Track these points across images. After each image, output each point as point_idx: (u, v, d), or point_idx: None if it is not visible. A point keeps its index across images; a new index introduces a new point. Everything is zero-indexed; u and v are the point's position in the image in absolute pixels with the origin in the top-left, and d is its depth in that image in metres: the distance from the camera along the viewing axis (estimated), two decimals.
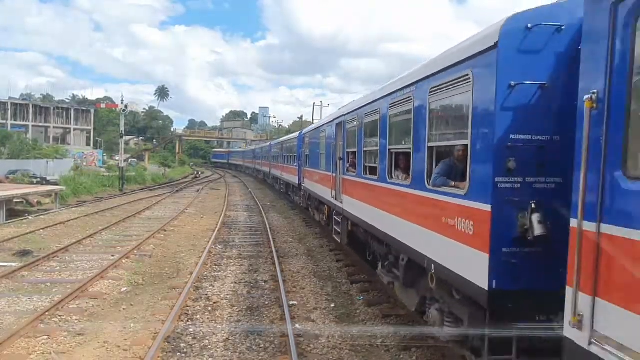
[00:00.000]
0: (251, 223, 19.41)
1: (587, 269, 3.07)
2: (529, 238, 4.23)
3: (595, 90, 3.03)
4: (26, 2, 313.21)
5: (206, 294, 9.44)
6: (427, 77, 5.96)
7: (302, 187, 20.39)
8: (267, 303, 8.98)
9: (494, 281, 4.35)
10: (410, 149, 6.53)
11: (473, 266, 4.65)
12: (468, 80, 4.84)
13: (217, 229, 16.90)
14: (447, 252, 5.28)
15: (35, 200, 23.80)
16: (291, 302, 8.93)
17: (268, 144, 40.74)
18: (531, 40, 4.28)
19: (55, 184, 29.55)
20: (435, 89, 5.69)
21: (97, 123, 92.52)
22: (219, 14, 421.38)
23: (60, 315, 8.00)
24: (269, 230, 16.98)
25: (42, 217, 20.01)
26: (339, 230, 11.99)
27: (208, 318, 8.14)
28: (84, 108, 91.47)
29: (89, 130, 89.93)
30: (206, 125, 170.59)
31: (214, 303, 8.92)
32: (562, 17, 4.24)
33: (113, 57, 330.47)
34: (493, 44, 4.38)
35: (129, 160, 63.50)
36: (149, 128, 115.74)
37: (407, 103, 6.70)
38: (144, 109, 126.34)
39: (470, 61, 4.83)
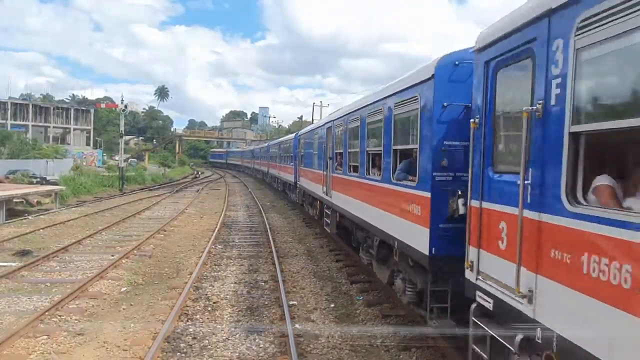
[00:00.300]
0: (251, 223, 19.41)
1: (474, 231, 4.74)
2: (455, 216, 5.66)
3: (477, 117, 4.70)
4: (26, 2, 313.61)
5: (206, 294, 9.44)
6: (392, 95, 7.61)
7: (298, 185, 21.67)
8: (266, 303, 8.99)
9: (433, 249, 5.97)
10: (381, 150, 8.12)
11: (420, 238, 6.25)
12: (417, 100, 6.49)
13: (216, 229, 16.90)
14: (405, 230, 6.91)
15: (35, 200, 23.79)
16: (291, 302, 8.94)
17: (266, 144, 42.06)
18: (457, 73, 5.90)
19: (55, 183, 29.54)
20: (397, 104, 7.34)
21: (96, 123, 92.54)
22: (219, 14, 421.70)
23: (60, 315, 8.00)
24: (268, 230, 16.99)
25: (41, 217, 20.02)
26: (329, 222, 13.62)
27: (208, 318, 8.15)
28: (83, 108, 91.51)
29: (89, 130, 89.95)
30: (206, 125, 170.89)
31: (214, 303, 8.92)
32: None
33: (113, 57, 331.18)
34: (431, 75, 6.02)
35: (129, 160, 63.52)
36: (149, 128, 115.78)
37: (379, 114, 8.26)
38: (144, 109, 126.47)
39: (417, 86, 6.49)
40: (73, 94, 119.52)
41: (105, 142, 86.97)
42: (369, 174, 9.06)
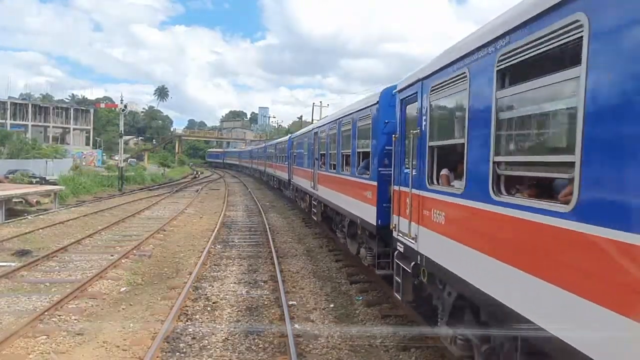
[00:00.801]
0: (250, 223, 19.41)
1: (395, 205, 7.38)
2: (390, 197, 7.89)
3: (397, 132, 7.38)
4: (26, 2, 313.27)
5: (205, 294, 9.44)
6: (356, 112, 10.51)
7: (291, 182, 24.14)
8: (266, 303, 8.99)
9: (379, 220, 8.61)
10: (350, 152, 10.91)
11: (371, 214, 8.94)
12: (369, 116, 9.31)
13: (216, 229, 16.90)
14: (363, 210, 9.62)
15: (35, 200, 23.78)
16: (290, 302, 8.94)
17: (263, 145, 45.15)
18: (393, 100, 8.01)
19: (55, 183, 29.52)
20: (359, 119, 10.12)
21: (96, 123, 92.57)
22: (219, 13, 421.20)
23: (59, 315, 8.00)
24: (268, 230, 16.99)
25: (41, 216, 20.01)
26: (315, 212, 16.58)
27: (207, 318, 8.15)
28: (83, 108, 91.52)
29: (89, 130, 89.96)
30: (205, 125, 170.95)
31: (213, 303, 8.93)
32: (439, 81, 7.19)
33: (113, 57, 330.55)
34: (377, 101, 8.87)
35: (129, 160, 63.54)
36: (149, 128, 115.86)
37: (349, 125, 11.04)
38: (144, 108, 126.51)
39: (369, 107, 9.37)
40: (73, 94, 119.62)
41: (104, 142, 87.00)
42: (343, 170, 11.81)
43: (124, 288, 9.91)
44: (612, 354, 2.78)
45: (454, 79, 5.11)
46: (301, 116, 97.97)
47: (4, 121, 72.93)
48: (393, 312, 8.45)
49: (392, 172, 7.64)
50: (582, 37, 3.05)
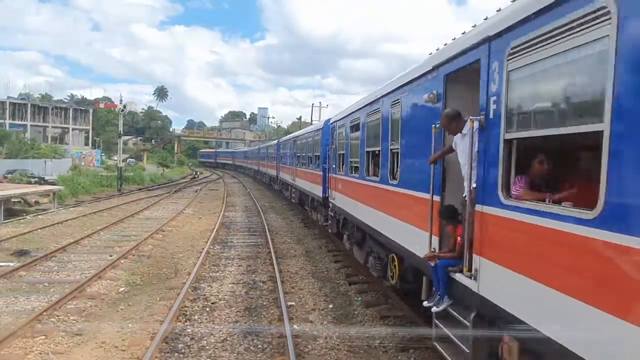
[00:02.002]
0: (249, 224, 19.41)
1: (329, 183, 14.04)
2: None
3: (331, 145, 13.69)
4: (25, 1, 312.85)
5: (204, 295, 9.43)
6: (315, 130, 18.08)
7: (279, 178, 29.97)
8: (265, 304, 8.99)
9: (324, 193, 15.10)
10: (312, 155, 18.02)
11: (317, 190, 16.34)
12: (319, 136, 16.84)
13: (215, 230, 16.89)
14: (317, 190, 16.13)
15: (33, 200, 23.75)
16: (289, 303, 8.94)
17: (257, 147, 53.02)
18: (332, 127, 13.54)
19: (54, 183, 29.47)
20: (315, 135, 17.77)
21: (95, 123, 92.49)
22: (218, 14, 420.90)
23: (57, 315, 7.99)
24: (267, 230, 16.99)
25: (40, 216, 19.99)
26: (294, 197, 23.62)
27: (206, 318, 8.14)
28: (82, 108, 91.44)
29: (88, 130, 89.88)
30: (205, 125, 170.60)
31: (212, 303, 8.92)
32: (341, 119, 12.29)
33: (112, 57, 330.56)
34: (322, 127, 16.60)
35: (128, 160, 63.43)
36: (148, 128, 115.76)
37: (312, 137, 18.45)
38: (143, 109, 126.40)
39: (317, 130, 17.44)
40: (72, 94, 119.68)
41: (103, 142, 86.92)
42: (309, 167, 18.77)
43: (123, 288, 9.90)
44: None
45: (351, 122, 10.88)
46: (300, 117, 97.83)
47: (2, 121, 72.83)
48: (392, 312, 8.45)
49: (329, 166, 14.05)
50: None
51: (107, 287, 9.86)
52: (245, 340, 7.15)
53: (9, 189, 22.91)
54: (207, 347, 6.89)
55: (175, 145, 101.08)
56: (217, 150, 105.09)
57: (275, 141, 33.75)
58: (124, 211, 22.23)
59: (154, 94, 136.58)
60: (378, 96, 8.39)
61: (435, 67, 5.67)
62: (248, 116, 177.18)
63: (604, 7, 2.88)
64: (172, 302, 8.72)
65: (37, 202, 23.96)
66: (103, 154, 74.17)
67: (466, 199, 4.70)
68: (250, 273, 11.27)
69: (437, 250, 5.50)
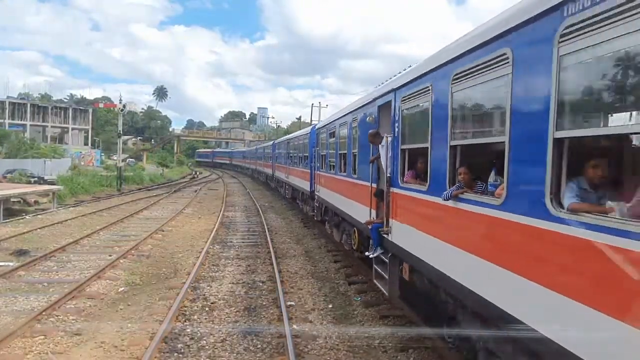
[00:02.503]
0: (249, 223, 19.40)
1: (315, 179, 16.73)
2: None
3: (315, 147, 16.78)
4: (24, 1, 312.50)
5: (204, 295, 9.43)
6: (302, 135, 21.49)
7: (274, 176, 32.79)
8: (264, 303, 8.98)
9: (311, 188, 17.31)
10: (301, 155, 21.06)
11: (305, 185, 18.92)
12: (307, 139, 19.43)
13: (214, 230, 16.89)
14: (306, 184, 18.60)
15: (33, 200, 23.73)
16: (289, 303, 8.93)
17: (254, 148, 56.10)
18: (317, 132, 16.85)
19: (53, 183, 29.45)
20: (303, 138, 21.00)
21: (95, 123, 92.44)
22: (218, 14, 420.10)
23: (57, 315, 7.98)
24: (266, 230, 16.98)
25: (39, 216, 19.98)
26: (287, 192, 26.31)
27: (205, 318, 8.14)
28: (82, 108, 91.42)
29: (87, 130, 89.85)
30: (204, 125, 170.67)
31: (212, 303, 8.91)
32: (323, 126, 15.60)
33: (111, 57, 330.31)
34: (309, 131, 19.45)
35: (127, 160, 63.40)
36: (147, 128, 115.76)
37: (302, 140, 21.28)
38: (142, 109, 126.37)
39: (306, 134, 19.88)
40: (71, 94, 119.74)
41: (103, 142, 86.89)
42: (299, 166, 21.05)
43: (122, 288, 9.89)
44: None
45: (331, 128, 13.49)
46: (300, 117, 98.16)
47: (2, 121, 72.79)
48: (391, 312, 8.45)
49: (314, 165, 16.60)
50: None
51: (106, 287, 9.85)
52: (245, 340, 7.14)
53: (9, 188, 22.89)
54: (207, 347, 6.88)
55: (175, 145, 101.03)
56: (215, 150, 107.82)
57: (271, 142, 37.85)
58: (123, 211, 22.22)
59: (153, 93, 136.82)
60: (345, 113, 11.47)
61: (373, 100, 8.67)
62: (248, 116, 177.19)
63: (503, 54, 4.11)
64: (171, 302, 8.72)
65: (36, 202, 23.94)
66: (102, 154, 74.14)
67: (385, 184, 7.48)
68: (249, 273, 11.26)
69: (373, 218, 8.41)
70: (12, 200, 21.83)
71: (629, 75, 2.85)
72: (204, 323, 7.88)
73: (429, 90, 5.76)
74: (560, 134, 3.28)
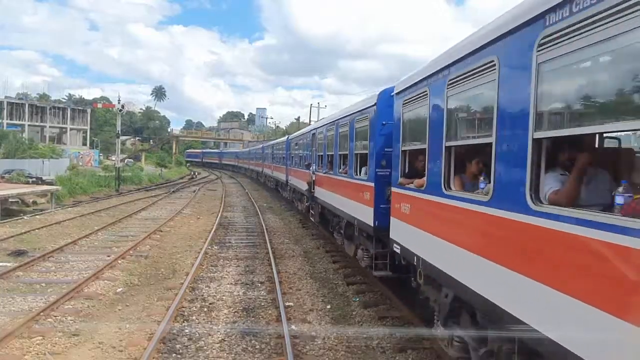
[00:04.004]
0: (247, 224, 19.39)
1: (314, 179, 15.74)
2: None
3: (312, 148, 16.62)
4: (22, 0, 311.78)
5: (202, 295, 9.42)
6: (289, 140, 24.53)
7: (267, 174, 35.79)
8: (263, 304, 8.98)
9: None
10: (293, 156, 22.32)
11: (282, 174, 25.04)
12: (367, 118, 9.41)
13: (213, 230, 16.87)
14: (303, 184, 17.79)
15: (31, 200, 23.71)
16: (287, 304, 8.93)
17: (247, 149, 60.53)
18: (293, 139, 22.10)
19: (51, 183, 29.44)
20: (279, 145, 28.53)
21: (93, 123, 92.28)
22: (216, 13, 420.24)
23: (55, 316, 7.97)
24: (265, 231, 16.97)
25: (37, 217, 19.94)
26: (288, 191, 24.96)
27: (204, 319, 8.13)
28: (80, 108, 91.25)
29: (85, 130, 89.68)
30: (203, 125, 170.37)
31: (210, 304, 8.90)
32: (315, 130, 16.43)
33: (110, 57, 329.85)
34: (286, 139, 25.11)
35: (126, 161, 63.33)
36: (146, 128, 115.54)
37: (281, 145, 27.22)
38: (141, 109, 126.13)
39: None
40: (70, 94, 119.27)
41: (101, 142, 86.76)
42: (293, 165, 21.99)
43: (120, 289, 9.88)
44: None
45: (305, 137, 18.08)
46: (299, 117, 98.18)
47: (0, 121, 72.61)
48: (390, 313, 8.45)
49: (313, 165, 15.87)
50: None
51: (104, 288, 9.83)
52: (243, 341, 7.14)
53: (7, 189, 22.87)
54: (205, 348, 6.88)
55: (174, 145, 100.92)
56: (204, 150, 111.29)
57: (261, 146, 43.23)
58: (121, 211, 22.19)
59: (151, 94, 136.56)
60: (335, 118, 12.64)
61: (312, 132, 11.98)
62: (246, 116, 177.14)
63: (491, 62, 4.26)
64: (169, 302, 8.71)
65: (34, 202, 23.91)
66: (101, 154, 74.03)
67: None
68: (248, 273, 11.26)
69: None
70: (10, 200, 21.80)
71: (596, 80, 3.20)
72: (202, 324, 7.87)
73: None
74: (539, 135, 3.53)
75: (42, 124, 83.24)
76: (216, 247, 14.29)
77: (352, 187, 10.30)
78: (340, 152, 11.90)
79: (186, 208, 24.33)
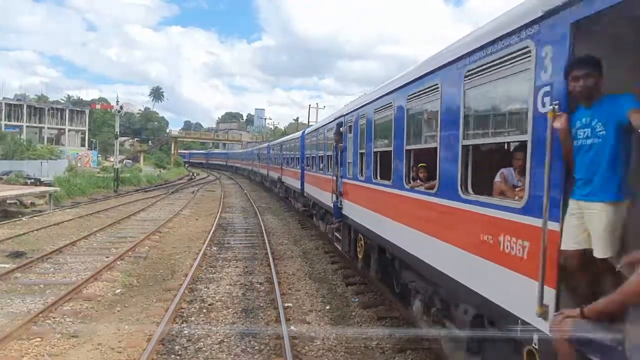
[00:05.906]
0: (246, 225, 19.38)
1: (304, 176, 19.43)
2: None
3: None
4: (19, 1, 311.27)
5: (201, 296, 9.41)
6: (293, 139, 23.85)
7: (268, 175, 36.22)
8: (262, 305, 8.97)
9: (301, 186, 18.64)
10: (288, 156, 24.89)
11: (298, 184, 20.87)
12: (298, 142, 20.96)
13: (212, 231, 16.86)
14: (296, 183, 21.23)
15: (29, 201, 23.66)
16: (286, 304, 8.92)
17: (241, 150, 65.37)
18: (304, 136, 20.13)
19: (50, 184, 29.35)
20: (291, 142, 24.57)
21: (91, 124, 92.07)
22: (215, 14, 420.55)
23: (53, 317, 7.95)
24: (264, 232, 16.96)
25: (35, 218, 19.89)
26: (283, 193, 27.40)
27: (203, 320, 8.12)
28: (78, 109, 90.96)
29: (84, 131, 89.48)
30: (202, 126, 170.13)
31: (209, 305, 8.89)
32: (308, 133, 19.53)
33: (107, 58, 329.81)
34: (300, 135, 21.41)
35: (124, 162, 63.18)
36: (144, 129, 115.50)
37: (294, 142, 22.91)
38: (139, 110, 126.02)
39: (297, 139, 21.80)
40: (68, 95, 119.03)
41: (100, 143, 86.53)
42: (288, 166, 23.98)
43: (119, 290, 9.86)
44: None
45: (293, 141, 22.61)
46: (297, 118, 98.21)
47: None
48: (389, 314, 8.45)
49: (305, 165, 18.82)
50: None
51: (103, 289, 9.82)
52: (243, 342, 7.13)
53: (5, 190, 22.81)
54: (204, 349, 6.87)
55: (172, 146, 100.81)
56: (191, 151, 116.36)
57: (259, 146, 46.17)
58: (120, 212, 22.15)
59: (149, 94, 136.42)
60: (326, 122, 14.40)
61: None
62: (245, 117, 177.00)
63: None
64: (168, 303, 8.69)
65: (33, 204, 23.86)
66: (99, 155, 73.83)
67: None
68: (247, 274, 11.25)
69: (334, 198, 11.65)
70: (8, 202, 21.76)
71: (500, 104, 4.36)
72: (201, 325, 7.86)
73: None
74: (465, 142, 4.73)
75: (40, 125, 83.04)
76: (215, 248, 14.27)
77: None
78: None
79: (185, 209, 24.31)
